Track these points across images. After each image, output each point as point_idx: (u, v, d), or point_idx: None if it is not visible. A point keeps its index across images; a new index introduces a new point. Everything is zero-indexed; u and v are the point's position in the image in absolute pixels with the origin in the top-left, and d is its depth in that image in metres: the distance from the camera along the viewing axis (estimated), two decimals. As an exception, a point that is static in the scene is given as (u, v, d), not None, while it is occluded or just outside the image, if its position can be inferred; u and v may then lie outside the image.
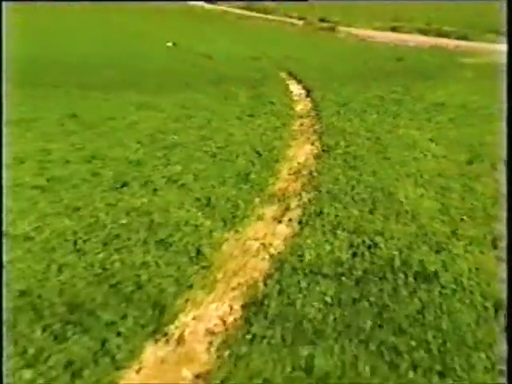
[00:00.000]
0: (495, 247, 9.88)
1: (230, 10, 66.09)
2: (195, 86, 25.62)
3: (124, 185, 13.49)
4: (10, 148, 16.33)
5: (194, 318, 8.34)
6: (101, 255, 10.22)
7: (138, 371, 7.39)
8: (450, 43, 36.26)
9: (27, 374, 7.30)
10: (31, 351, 7.67)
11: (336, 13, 49.56)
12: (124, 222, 11.63)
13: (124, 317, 8.36)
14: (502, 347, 7.65)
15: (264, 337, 7.88)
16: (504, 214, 4.89)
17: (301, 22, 48.33)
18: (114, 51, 40.66)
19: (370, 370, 7.18)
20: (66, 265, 9.87)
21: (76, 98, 24.42)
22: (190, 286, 9.03)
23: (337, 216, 11.32)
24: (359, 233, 10.55)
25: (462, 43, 36.33)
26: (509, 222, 3.96)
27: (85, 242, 10.72)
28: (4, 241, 11.16)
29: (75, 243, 10.58)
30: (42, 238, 10.85)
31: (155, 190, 13.49)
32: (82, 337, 7.96)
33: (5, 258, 10.19)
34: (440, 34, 38.32)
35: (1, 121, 11.28)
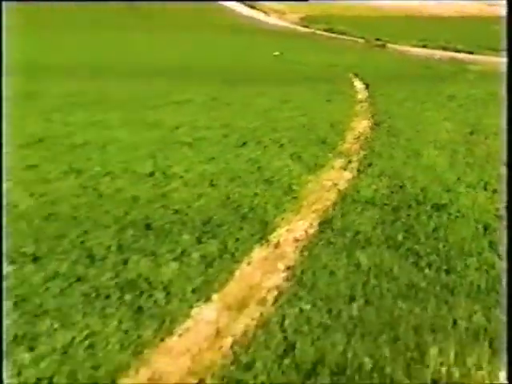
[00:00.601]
0: (485, 189, 10.29)
1: (306, 30, 65.69)
2: (292, 82, 26.61)
3: (244, 143, 14.19)
4: (174, 120, 16.99)
5: (286, 231, 8.65)
6: (228, 188, 10.59)
7: (248, 263, 7.61)
8: (462, 56, 38.00)
9: (174, 264, 7.46)
10: (179, 249, 7.86)
11: (385, 34, 51.53)
12: (243, 167, 12.27)
13: (241, 229, 8.68)
14: (489, 255, 7.96)
15: (331, 243, 8.14)
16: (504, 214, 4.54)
17: (362, 40, 49.38)
18: (234, 60, 41.63)
19: (399, 267, 7.38)
20: (204, 194, 10.17)
21: (215, 88, 25.58)
22: (285, 210, 9.38)
23: (381, 167, 11.85)
24: (395, 177, 10.97)
25: (469, 56, 38.25)
26: (509, 222, 2.93)
27: (218, 180, 11.03)
28: (163, 179, 11.54)
29: (211, 181, 10.88)
30: (188, 177, 11.18)
31: (265, 147, 13.98)
32: (212, 240, 8.22)
33: (166, 189, 10.80)
34: (455, 50, 39.89)
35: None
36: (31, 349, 5.79)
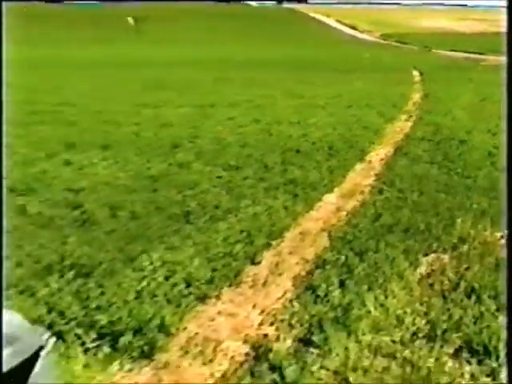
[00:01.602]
0: (488, 132, 11.61)
1: (384, 42, 66.01)
2: (376, 71, 28.43)
3: (350, 106, 16.31)
4: (311, 93, 19.63)
5: (375, 154, 10.07)
6: (340, 130, 12.03)
7: (354, 171, 8.89)
8: (476, 56, 41.65)
9: (314, 172, 8.63)
10: (315, 163, 9.07)
11: (430, 43, 54.61)
12: (350, 119, 13.71)
13: (349, 153, 9.96)
14: (491, 168, 8.79)
15: (400, 161, 9.42)
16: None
17: (417, 48, 53.19)
18: (339, 59, 42.73)
19: (438, 174, 8.50)
20: (329, 134, 11.65)
21: (332, 75, 27.74)
22: (373, 143, 10.79)
23: (429, 119, 13.31)
24: (437, 125, 12.40)
25: (480, 56, 41.64)
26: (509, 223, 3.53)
27: (335, 126, 12.62)
28: (305, 125, 12.93)
29: (333, 127, 12.41)
30: (319, 124, 12.85)
31: (361, 108, 16.25)
32: (333, 159, 9.53)
33: (307, 131, 12.17)
34: (471, 52, 43.69)
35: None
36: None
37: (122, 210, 6.52)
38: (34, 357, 2.09)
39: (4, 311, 2.19)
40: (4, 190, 7.14)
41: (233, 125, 12.71)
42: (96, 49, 46.87)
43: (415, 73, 28.61)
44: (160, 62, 33.73)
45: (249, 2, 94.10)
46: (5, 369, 2.02)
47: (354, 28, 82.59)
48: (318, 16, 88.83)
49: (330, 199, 7.49)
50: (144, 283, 4.43)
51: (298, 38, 65.82)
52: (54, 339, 2.21)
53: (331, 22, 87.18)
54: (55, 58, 35.31)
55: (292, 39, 65.32)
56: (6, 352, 1.98)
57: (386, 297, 4.31)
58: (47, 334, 2.19)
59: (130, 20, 76.74)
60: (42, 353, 2.11)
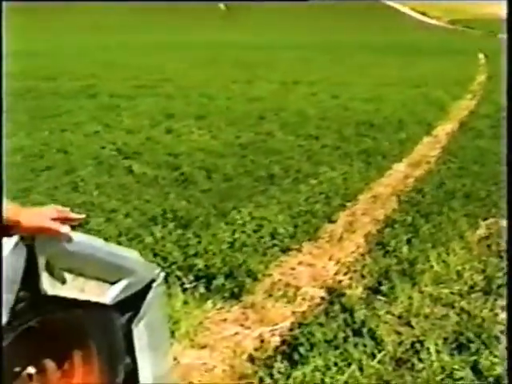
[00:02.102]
0: None
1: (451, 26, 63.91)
2: (449, 55, 28.11)
3: (417, 86, 16.49)
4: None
5: (441, 129, 10.07)
6: (410, 107, 12.58)
7: (421, 144, 8.90)
8: None
9: (385, 143, 8.66)
10: (385, 136, 9.19)
11: (496, 28, 52.44)
12: (418, 98, 13.88)
13: (417, 127, 9.95)
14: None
15: (463, 135, 9.42)
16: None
17: (481, 32, 51.76)
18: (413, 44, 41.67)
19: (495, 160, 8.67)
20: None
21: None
22: (441, 119, 10.88)
23: (490, 98, 12.94)
24: (498, 104, 12.47)
25: None
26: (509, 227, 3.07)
27: (409, 102, 12.83)
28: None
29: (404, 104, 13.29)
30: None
31: (430, 87, 16.34)
32: (402, 132, 9.47)
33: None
34: None
35: None
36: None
37: (216, 173, 6.67)
38: (147, 288, 2.21)
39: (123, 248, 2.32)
40: (114, 154, 7.38)
41: (314, 100, 12.75)
42: (192, 33, 47.28)
43: (480, 56, 27.65)
44: (249, 45, 33.82)
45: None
46: (123, 297, 2.13)
47: (424, 14, 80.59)
48: (391, 3, 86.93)
49: (399, 168, 7.53)
50: (235, 235, 4.56)
51: (376, 24, 64.66)
52: (163, 274, 2.34)
53: (405, 9, 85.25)
54: (157, 42, 35.94)
55: (368, 25, 64.23)
56: (124, 282, 2.11)
57: (448, 254, 4.30)
58: (158, 270, 2.33)
59: (222, 6, 76.86)
60: (154, 284, 2.24)
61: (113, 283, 2.07)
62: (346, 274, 4.19)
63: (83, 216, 1.85)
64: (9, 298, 1.68)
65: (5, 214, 1.71)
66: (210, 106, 11.69)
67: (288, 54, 26.86)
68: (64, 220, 1.80)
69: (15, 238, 1.73)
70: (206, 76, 17.47)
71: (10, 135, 8.32)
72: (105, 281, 2.04)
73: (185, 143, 8.35)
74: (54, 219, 1.77)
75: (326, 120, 10.35)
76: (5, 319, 1.71)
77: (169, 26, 56.85)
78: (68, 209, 1.86)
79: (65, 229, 1.77)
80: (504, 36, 2.56)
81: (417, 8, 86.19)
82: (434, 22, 71.80)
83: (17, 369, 1.92)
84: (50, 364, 2.03)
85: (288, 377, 2.87)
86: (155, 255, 4.07)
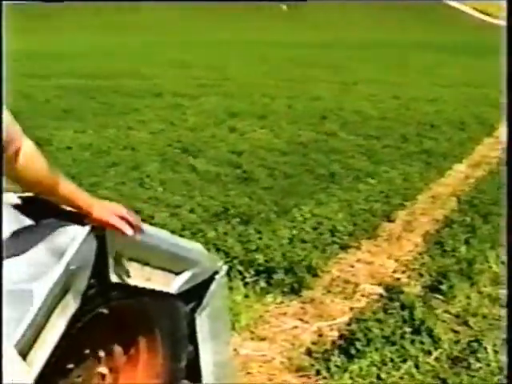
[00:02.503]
0: None
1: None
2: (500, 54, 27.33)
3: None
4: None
5: (503, 131, 8.48)
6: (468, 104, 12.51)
7: (483, 145, 8.73)
8: None
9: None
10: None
11: None
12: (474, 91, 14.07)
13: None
14: None
15: None
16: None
17: None
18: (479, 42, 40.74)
19: None
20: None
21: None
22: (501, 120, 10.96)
23: None
24: None
25: None
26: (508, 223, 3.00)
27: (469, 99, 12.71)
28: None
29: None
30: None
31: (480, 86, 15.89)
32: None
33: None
34: None
35: None
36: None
37: (277, 170, 6.70)
38: (210, 279, 2.27)
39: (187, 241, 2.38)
40: (179, 151, 7.50)
41: (374, 100, 12.64)
42: (254, 33, 47.37)
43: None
44: (311, 44, 33.73)
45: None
46: (187, 287, 2.19)
47: (486, 14, 78.66)
48: (453, 3, 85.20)
49: (460, 168, 7.43)
50: (295, 231, 4.60)
51: (437, 24, 63.48)
52: (226, 266, 2.39)
53: (466, 8, 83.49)
54: (220, 42, 36.13)
55: (430, 25, 63.10)
56: (188, 273, 2.17)
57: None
58: (221, 262, 2.38)
59: (284, 6, 76.83)
60: (217, 276, 2.29)
61: (177, 273, 2.14)
62: (404, 272, 4.18)
63: (141, 226, 1.93)
64: (80, 285, 1.75)
65: (80, 204, 1.83)
66: (271, 105, 11.73)
67: (349, 54, 26.64)
68: (128, 222, 1.87)
69: (87, 228, 1.82)
70: (267, 75, 17.45)
71: (79, 132, 8.54)
72: (170, 271, 2.11)
73: (247, 141, 8.40)
74: (122, 218, 1.86)
75: (387, 120, 10.25)
76: (76, 305, 1.78)
77: (231, 26, 57.11)
78: (133, 213, 1.96)
79: (129, 231, 1.86)
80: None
81: (478, 7, 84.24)
82: (496, 21, 70.10)
83: (87, 351, 1.99)
84: (117, 349, 2.11)
85: (344, 370, 2.89)
86: (217, 250, 4.14)
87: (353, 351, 3.02)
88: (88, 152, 7.47)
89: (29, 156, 1.67)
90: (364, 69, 19.93)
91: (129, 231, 1.85)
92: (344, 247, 4.55)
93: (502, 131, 9.40)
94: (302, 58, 24.13)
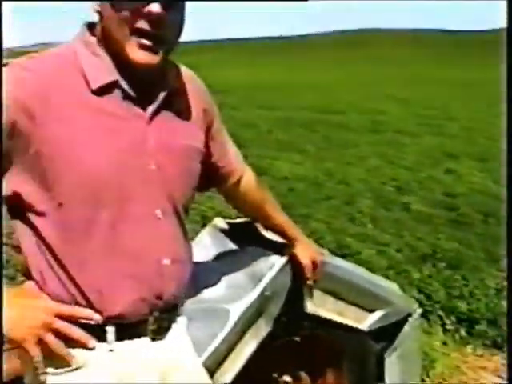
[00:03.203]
0: None
1: None
2: None
3: None
4: None
5: None
6: None
7: None
8: None
9: None
10: None
11: None
12: None
13: None
14: None
15: None
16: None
17: None
18: None
19: None
20: None
21: None
22: None
23: None
24: None
25: None
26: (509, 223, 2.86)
27: None
28: None
29: None
30: None
31: None
32: None
33: None
34: None
35: None
36: None
37: (492, 217, 6.39)
38: (403, 320, 2.26)
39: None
40: (393, 190, 7.49)
41: None
42: (470, 69, 45.54)
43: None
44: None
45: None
46: (379, 326, 2.19)
47: None
48: None
49: None
50: (504, 283, 4.37)
51: None
52: (420, 310, 2.36)
53: None
54: (441, 78, 35.26)
55: None
56: (381, 312, 2.18)
57: None
58: (416, 305, 2.36)
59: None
60: (410, 319, 2.28)
61: (371, 311, 2.15)
62: None
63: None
64: (274, 310, 1.85)
65: (288, 235, 1.96)
66: (492, 148, 11.19)
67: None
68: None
69: (285, 258, 1.94)
70: (491, 116, 16.70)
71: (297, 164, 8.82)
72: (363, 308, 2.13)
73: (464, 184, 8.19)
74: (314, 264, 1.97)
75: None
76: (268, 329, 1.90)
77: (445, 59, 55.44)
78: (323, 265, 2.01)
79: (310, 281, 2.00)
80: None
81: None
82: None
83: (274, 375, 2.08)
84: (304, 376, 2.17)
85: None
86: (420, 291, 4.05)
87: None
88: (304, 183, 7.64)
89: (249, 185, 1.81)
90: None
91: (309, 281, 1.97)
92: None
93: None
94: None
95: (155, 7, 1.26)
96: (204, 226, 5.38)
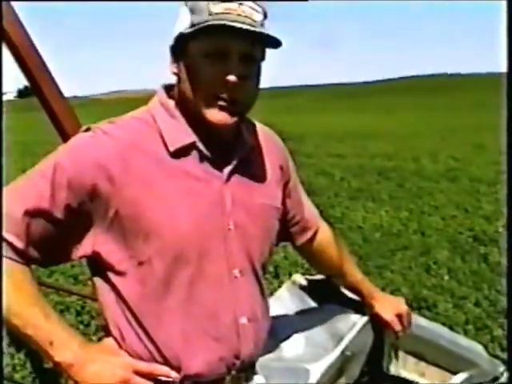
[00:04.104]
0: None
1: None
2: None
3: None
4: None
5: None
6: None
7: None
8: None
9: None
10: None
11: None
12: None
13: None
14: None
15: None
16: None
17: None
18: None
19: None
20: None
21: None
22: None
23: None
24: None
25: None
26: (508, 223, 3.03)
27: None
28: None
29: None
30: None
31: None
32: None
33: None
34: None
35: None
36: None
37: None
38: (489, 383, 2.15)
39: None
40: (470, 240, 7.27)
41: None
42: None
43: None
44: None
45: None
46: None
47: None
48: None
49: None
50: None
51: None
52: (507, 374, 2.23)
53: None
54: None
55: None
56: (466, 374, 2.09)
57: None
58: (502, 368, 2.24)
59: None
60: (496, 383, 2.16)
61: (454, 373, 2.05)
62: None
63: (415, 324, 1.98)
64: (354, 371, 1.79)
65: (364, 293, 1.93)
66: None
67: None
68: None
69: (366, 317, 1.91)
70: None
71: (371, 212, 8.69)
72: (446, 369, 2.04)
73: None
74: (399, 316, 1.94)
75: None
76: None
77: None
78: (411, 314, 1.99)
79: (400, 332, 1.95)
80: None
81: None
82: None
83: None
84: None
85: None
86: (503, 350, 3.83)
87: None
88: (379, 233, 7.50)
89: (325, 242, 1.81)
90: None
91: (400, 332, 1.91)
92: None
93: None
94: None
95: (232, 78, 1.29)
96: (277, 276, 5.32)
